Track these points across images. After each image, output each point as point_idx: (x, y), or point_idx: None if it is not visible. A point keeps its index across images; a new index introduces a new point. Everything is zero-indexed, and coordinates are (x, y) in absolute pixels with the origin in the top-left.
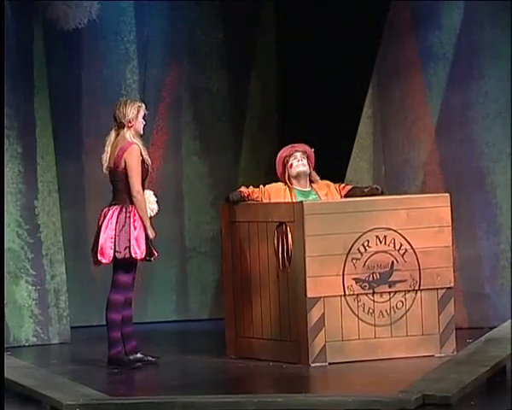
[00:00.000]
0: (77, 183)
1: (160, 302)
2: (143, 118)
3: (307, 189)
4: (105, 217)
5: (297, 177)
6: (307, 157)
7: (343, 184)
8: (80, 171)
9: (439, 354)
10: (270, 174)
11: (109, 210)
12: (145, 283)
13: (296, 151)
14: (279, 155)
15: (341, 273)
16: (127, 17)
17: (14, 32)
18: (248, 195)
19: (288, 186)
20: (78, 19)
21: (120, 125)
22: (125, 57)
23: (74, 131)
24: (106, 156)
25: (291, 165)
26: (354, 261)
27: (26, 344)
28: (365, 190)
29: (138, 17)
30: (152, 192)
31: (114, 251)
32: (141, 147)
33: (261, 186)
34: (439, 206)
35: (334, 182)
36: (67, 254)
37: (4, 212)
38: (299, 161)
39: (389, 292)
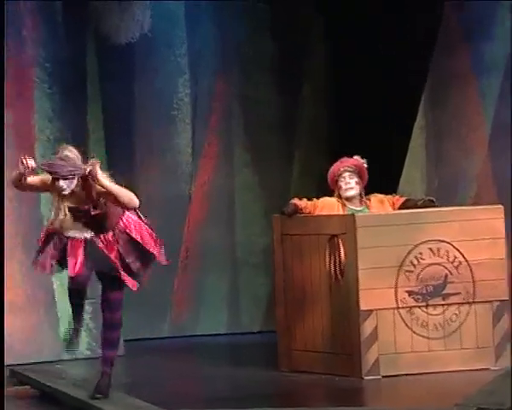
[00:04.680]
0: None
1: (212, 315)
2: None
3: (360, 207)
4: None
5: (347, 199)
6: (358, 173)
7: (397, 196)
8: (133, 185)
9: (494, 367)
10: (322, 185)
11: None
12: (196, 295)
13: (345, 171)
14: (330, 171)
15: (394, 286)
16: (179, 30)
17: (67, 47)
18: (302, 208)
19: (342, 203)
20: (131, 32)
21: None
22: (176, 70)
23: (126, 146)
24: None
25: (340, 187)
26: (407, 274)
27: (80, 357)
28: (419, 202)
29: (189, 30)
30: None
31: None
32: None
33: (314, 200)
34: (492, 218)
35: (387, 194)
36: None
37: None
38: (347, 183)
39: (443, 305)
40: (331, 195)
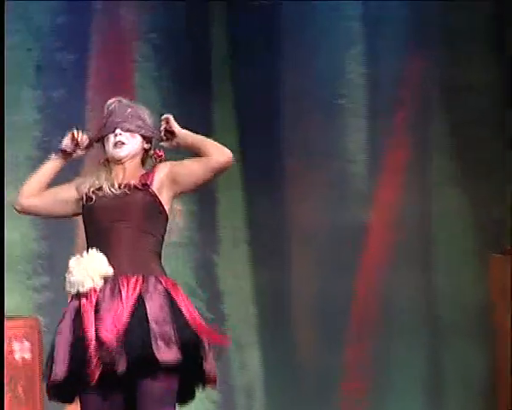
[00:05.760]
0: (276, 228)
1: (401, 406)
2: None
3: None
4: None
5: None
6: None
7: None
8: (280, 210)
9: None
10: None
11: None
12: (376, 376)
13: None
14: None
15: None
16: None
17: (182, 11)
18: None
19: None
20: None
21: None
22: (345, 40)
23: (269, 152)
24: None
25: None
26: None
27: None
28: None
29: None
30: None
31: None
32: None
33: None
34: None
35: None
36: (263, 333)
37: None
38: None
39: None
40: None
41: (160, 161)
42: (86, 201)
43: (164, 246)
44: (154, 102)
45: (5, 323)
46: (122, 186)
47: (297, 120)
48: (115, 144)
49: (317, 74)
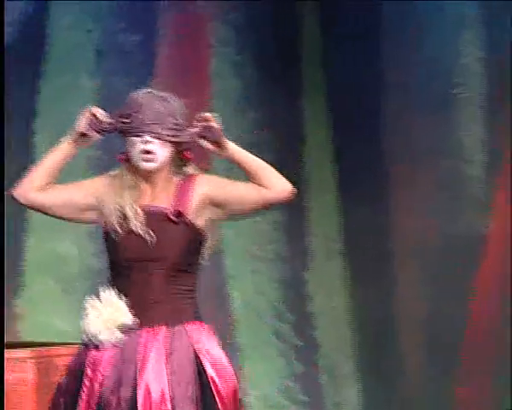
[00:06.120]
0: (375, 238)
1: None
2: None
3: None
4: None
5: None
6: None
7: None
8: (381, 217)
9: None
10: None
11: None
12: None
13: None
14: None
15: None
16: None
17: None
18: None
19: None
20: None
21: None
22: (457, 22)
23: (371, 153)
24: None
25: None
26: None
27: None
28: None
29: None
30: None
31: None
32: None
33: None
34: None
35: None
36: (361, 363)
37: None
38: None
39: None
40: None
41: (189, 164)
42: (112, 233)
43: (246, 261)
44: (234, 93)
45: (57, 350)
46: (151, 212)
47: (400, 114)
48: (142, 153)
49: (423, 60)
